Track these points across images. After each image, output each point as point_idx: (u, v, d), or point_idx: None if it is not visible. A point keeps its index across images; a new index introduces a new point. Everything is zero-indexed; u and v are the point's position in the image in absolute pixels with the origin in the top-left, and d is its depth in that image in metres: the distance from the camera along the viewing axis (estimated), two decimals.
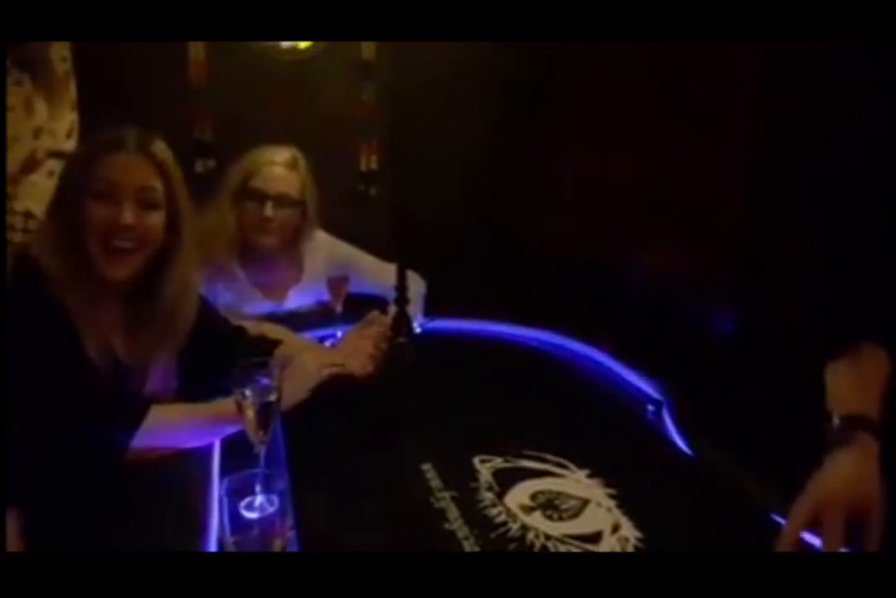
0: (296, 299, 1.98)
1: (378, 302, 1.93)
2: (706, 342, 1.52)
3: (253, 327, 1.61)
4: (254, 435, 1.08)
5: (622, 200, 2.39)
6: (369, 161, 2.66)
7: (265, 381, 1.11)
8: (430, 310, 1.97)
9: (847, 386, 0.96)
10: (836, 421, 0.94)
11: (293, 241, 1.94)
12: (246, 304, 1.89)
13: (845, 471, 0.89)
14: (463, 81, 2.53)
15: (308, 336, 1.75)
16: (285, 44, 2.51)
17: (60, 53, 1.93)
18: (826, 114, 1.17)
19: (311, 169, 1.91)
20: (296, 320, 1.88)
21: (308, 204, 1.91)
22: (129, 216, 1.21)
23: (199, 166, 2.43)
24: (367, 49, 2.53)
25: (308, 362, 1.44)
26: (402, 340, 1.75)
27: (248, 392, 1.09)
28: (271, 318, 1.88)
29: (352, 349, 1.55)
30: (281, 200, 1.84)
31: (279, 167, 1.86)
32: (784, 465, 1.20)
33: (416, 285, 1.96)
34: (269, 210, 1.83)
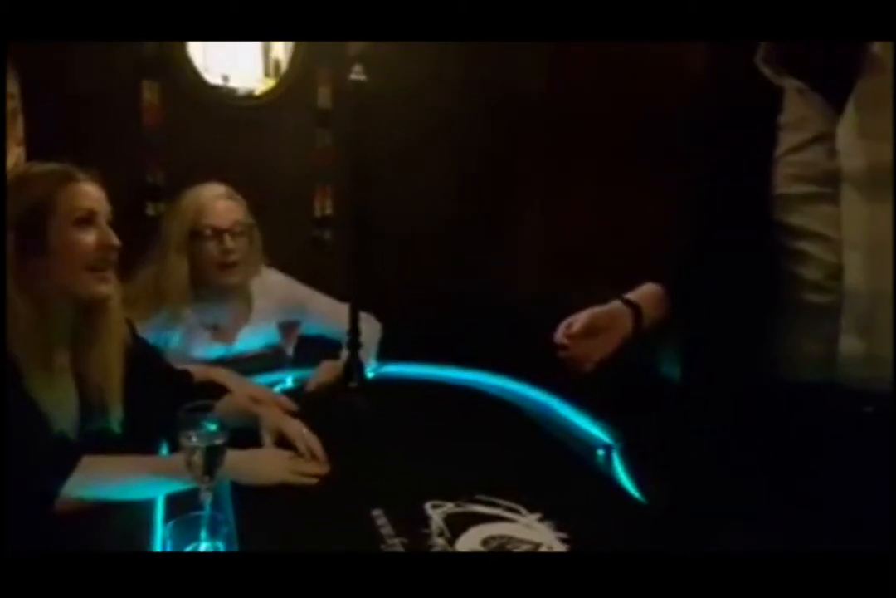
0: (245, 341, 1.95)
1: (332, 345, 1.92)
2: (654, 386, 1.55)
3: (200, 372, 1.58)
4: (199, 480, 1.05)
5: (574, 250, 2.44)
6: (324, 206, 2.68)
7: (211, 425, 1.09)
8: (385, 354, 1.96)
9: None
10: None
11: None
12: (195, 347, 1.86)
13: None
14: (421, 131, 2.59)
15: (257, 382, 1.72)
16: (241, 90, 2.53)
17: (8, 90, 1.92)
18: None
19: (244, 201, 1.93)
20: (246, 364, 1.85)
21: (255, 231, 1.92)
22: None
23: (150, 209, 2.41)
24: (323, 96, 2.57)
25: (275, 461, 1.33)
26: (353, 385, 1.74)
27: (193, 436, 1.07)
28: (222, 362, 1.84)
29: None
30: (233, 230, 1.84)
31: (223, 199, 1.87)
32: (734, 507, 1.23)
33: (372, 329, 1.95)
34: (228, 242, 1.83)
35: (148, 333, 1.70)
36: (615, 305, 1.30)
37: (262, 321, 1.94)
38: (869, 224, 1.13)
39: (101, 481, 1.17)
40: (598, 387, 1.62)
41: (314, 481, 1.29)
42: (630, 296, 1.33)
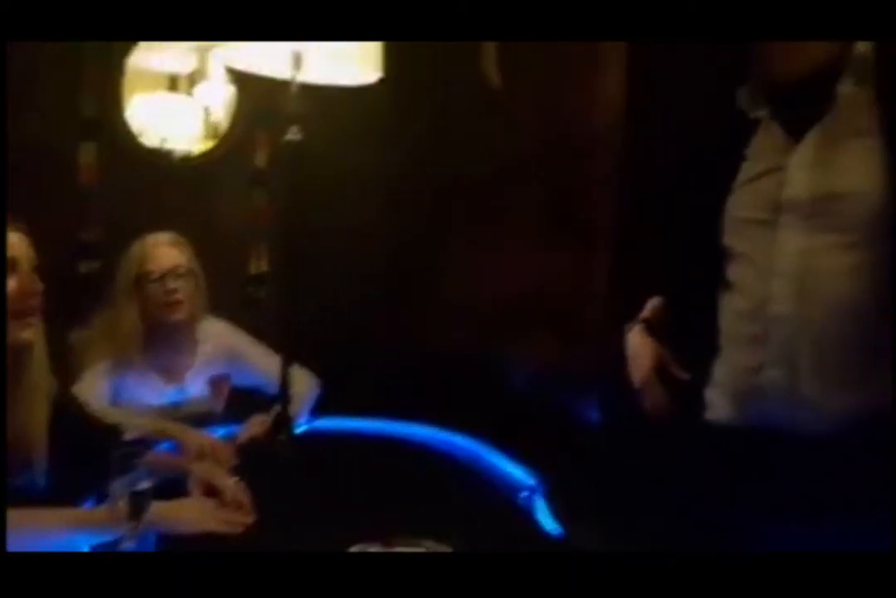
0: (193, 383, 1.99)
1: (267, 398, 1.93)
2: (575, 431, 1.61)
3: (150, 424, 1.61)
4: (124, 526, 1.06)
5: (502, 303, 2.53)
6: (259, 264, 2.73)
7: (138, 470, 1.11)
8: (321, 409, 1.98)
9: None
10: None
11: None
12: (150, 392, 1.91)
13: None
14: (355, 188, 2.68)
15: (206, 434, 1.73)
16: (178, 149, 2.60)
17: None
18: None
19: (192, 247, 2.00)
20: (191, 414, 1.89)
21: (199, 276, 1.98)
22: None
23: (82, 267, 2.42)
24: (261, 156, 2.66)
25: (201, 509, 1.35)
26: (281, 438, 1.76)
27: (120, 482, 1.08)
28: (176, 408, 1.92)
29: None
30: (176, 271, 1.91)
31: (165, 246, 1.94)
32: (652, 544, 1.28)
33: (308, 383, 1.98)
34: (170, 283, 1.89)
35: (103, 379, 1.83)
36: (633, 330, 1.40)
37: (204, 366, 1.99)
38: (801, 254, 1.16)
39: (25, 534, 1.16)
40: (521, 430, 1.69)
41: (240, 529, 1.30)
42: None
